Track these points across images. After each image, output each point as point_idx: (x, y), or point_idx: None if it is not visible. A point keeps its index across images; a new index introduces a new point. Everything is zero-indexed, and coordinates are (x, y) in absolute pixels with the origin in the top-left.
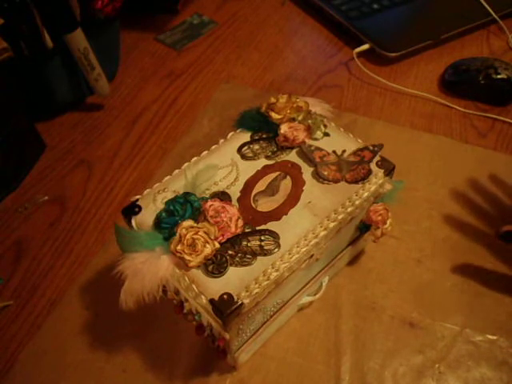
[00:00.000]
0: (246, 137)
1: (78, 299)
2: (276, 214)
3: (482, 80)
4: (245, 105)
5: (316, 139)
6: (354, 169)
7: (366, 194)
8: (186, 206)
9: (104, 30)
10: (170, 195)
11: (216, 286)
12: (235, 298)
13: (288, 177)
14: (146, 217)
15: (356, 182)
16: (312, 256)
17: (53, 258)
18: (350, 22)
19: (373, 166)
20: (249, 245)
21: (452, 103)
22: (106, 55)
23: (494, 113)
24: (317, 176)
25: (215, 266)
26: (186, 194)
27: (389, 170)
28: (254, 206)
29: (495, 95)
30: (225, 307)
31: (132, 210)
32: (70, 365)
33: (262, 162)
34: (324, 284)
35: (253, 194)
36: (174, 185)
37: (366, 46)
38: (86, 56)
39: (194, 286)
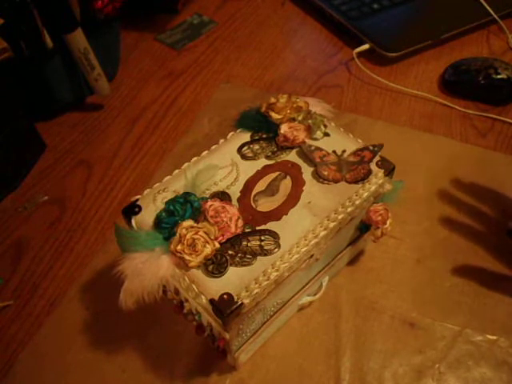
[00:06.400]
0: (246, 137)
1: (78, 299)
2: (276, 214)
3: (482, 80)
4: (245, 105)
5: (316, 139)
6: (354, 169)
7: (366, 194)
8: (185, 206)
9: (104, 30)
10: (170, 195)
11: (216, 286)
12: (235, 298)
13: (288, 177)
14: (146, 217)
15: (356, 181)
16: (312, 256)
17: (53, 258)
18: (350, 22)
19: (373, 166)
20: (249, 245)
21: (452, 103)
22: (106, 55)
23: (494, 113)
24: (317, 176)
25: (215, 265)
26: (186, 194)
27: (389, 170)
28: (253, 205)
29: (495, 95)
30: (225, 307)
31: (132, 209)
32: (70, 365)
33: (262, 161)
34: (324, 284)
35: (253, 194)
36: (174, 185)
37: (366, 46)
38: (86, 56)
39: (194, 286)
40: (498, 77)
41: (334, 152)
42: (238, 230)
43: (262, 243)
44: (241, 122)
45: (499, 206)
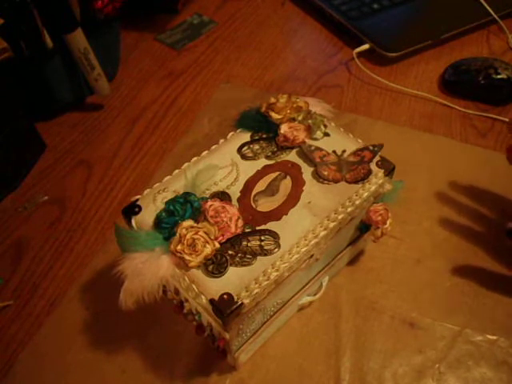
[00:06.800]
0: (246, 137)
1: (78, 299)
2: (276, 214)
3: (482, 80)
4: (245, 105)
5: (316, 139)
6: (354, 169)
7: (366, 194)
8: (185, 206)
9: (104, 30)
10: (170, 195)
11: (216, 286)
12: (235, 298)
13: (288, 177)
14: (146, 217)
15: (356, 181)
16: (312, 256)
17: (53, 258)
18: (350, 22)
19: (373, 166)
20: (249, 245)
21: (452, 103)
22: (106, 55)
23: (494, 113)
24: (317, 176)
25: (215, 265)
26: (186, 194)
27: (389, 170)
28: (253, 206)
29: (495, 95)
30: (225, 307)
31: (132, 210)
32: (70, 365)
33: (262, 161)
34: (324, 284)
35: (253, 194)
36: (174, 185)
37: (366, 46)
38: (86, 56)
39: (194, 286)
40: (498, 77)
41: (334, 152)
42: (238, 230)
43: (262, 243)
44: (241, 122)
45: (499, 206)
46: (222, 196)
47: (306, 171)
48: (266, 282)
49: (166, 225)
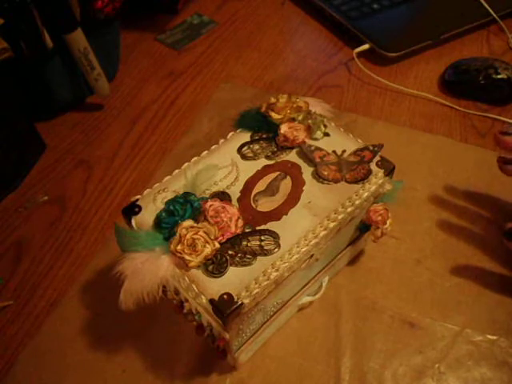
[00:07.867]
0: (246, 137)
1: (78, 299)
2: (276, 214)
3: (482, 80)
4: (245, 105)
5: (316, 139)
6: (354, 169)
7: (365, 194)
8: (185, 206)
9: (104, 30)
10: (170, 195)
11: (216, 286)
12: (235, 298)
13: (288, 177)
14: (146, 217)
15: (356, 182)
16: (312, 256)
17: (53, 258)
18: (350, 22)
19: (373, 166)
20: (249, 245)
21: (452, 103)
22: (105, 55)
23: (494, 113)
24: (317, 176)
25: (215, 266)
26: (186, 194)
27: (389, 170)
28: (253, 206)
29: (495, 95)
30: (225, 307)
31: (132, 209)
32: (70, 365)
33: (262, 161)
34: (324, 284)
35: (253, 194)
36: (174, 185)
37: (366, 46)
38: (86, 56)
39: (194, 286)
40: (498, 77)
41: (334, 152)
42: (238, 230)
43: (262, 243)
44: (241, 122)
45: (498, 206)
46: (222, 196)
47: (306, 171)
48: (266, 282)
49: (166, 225)
